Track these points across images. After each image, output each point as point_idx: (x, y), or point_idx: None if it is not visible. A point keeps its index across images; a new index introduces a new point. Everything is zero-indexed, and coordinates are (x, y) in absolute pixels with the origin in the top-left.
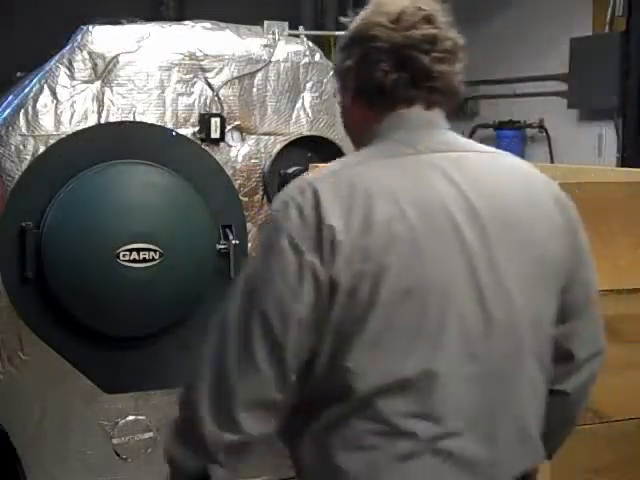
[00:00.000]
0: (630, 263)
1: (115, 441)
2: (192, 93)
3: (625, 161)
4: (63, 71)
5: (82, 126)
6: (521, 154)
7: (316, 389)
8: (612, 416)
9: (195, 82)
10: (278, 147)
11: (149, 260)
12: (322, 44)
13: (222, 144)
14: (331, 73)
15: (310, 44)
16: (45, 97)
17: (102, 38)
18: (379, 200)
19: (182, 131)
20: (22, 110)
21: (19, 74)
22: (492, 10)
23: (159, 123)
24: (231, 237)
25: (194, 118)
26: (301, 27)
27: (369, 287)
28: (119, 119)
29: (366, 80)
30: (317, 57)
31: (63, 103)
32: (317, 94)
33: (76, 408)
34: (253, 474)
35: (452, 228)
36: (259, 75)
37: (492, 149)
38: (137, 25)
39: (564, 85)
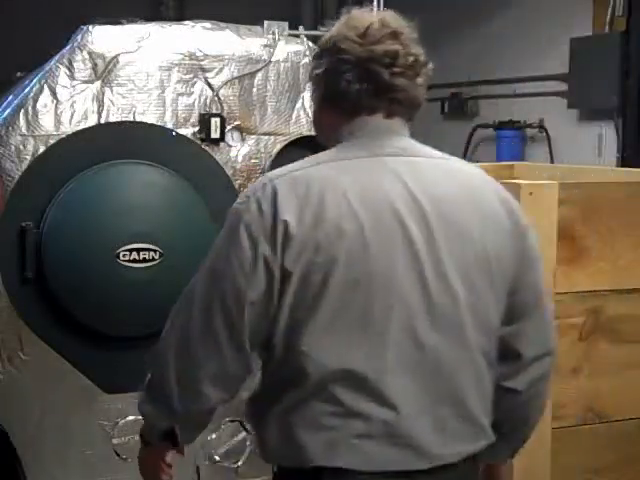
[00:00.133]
0: (630, 263)
1: (115, 441)
2: (192, 93)
3: (625, 161)
4: (63, 71)
5: (82, 126)
6: (521, 154)
7: (276, 373)
8: (612, 416)
9: (195, 82)
10: (278, 147)
11: (149, 260)
12: None
13: (222, 144)
14: None
15: (310, 44)
16: (45, 97)
17: (102, 38)
18: (331, 198)
19: (182, 131)
20: (22, 110)
21: (19, 74)
22: (492, 10)
23: (159, 123)
24: None
25: (194, 118)
26: (301, 27)
27: (320, 277)
28: (119, 119)
29: (333, 88)
30: None
31: (63, 103)
32: None
33: (76, 408)
34: (253, 474)
35: (399, 225)
36: (259, 75)
37: (445, 155)
38: (137, 25)
39: (564, 85)
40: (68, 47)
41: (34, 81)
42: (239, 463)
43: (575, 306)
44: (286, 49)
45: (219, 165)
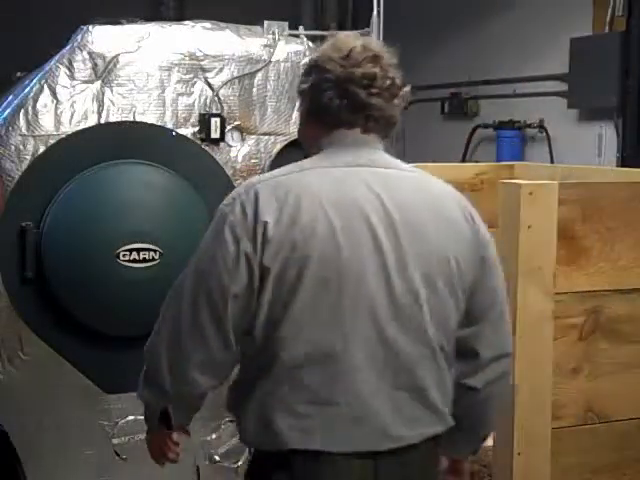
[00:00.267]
0: (630, 263)
1: (115, 441)
2: (192, 93)
3: (625, 161)
4: (63, 71)
5: (82, 126)
6: (521, 154)
7: (254, 362)
8: (612, 416)
9: (195, 82)
10: (278, 147)
11: (149, 260)
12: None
13: (222, 144)
14: None
15: (310, 44)
16: (45, 97)
17: (102, 38)
18: (306, 202)
19: (182, 131)
20: (22, 110)
21: (19, 74)
22: (492, 10)
23: (159, 123)
24: None
25: (194, 118)
26: (301, 27)
27: (295, 274)
28: (119, 119)
29: (316, 103)
30: None
31: (63, 103)
32: None
33: (76, 408)
34: None
35: (368, 229)
36: (259, 75)
37: (412, 168)
38: (137, 25)
39: (564, 85)
40: (68, 47)
41: (34, 81)
42: (239, 463)
43: (575, 306)
44: (286, 49)
45: (219, 165)
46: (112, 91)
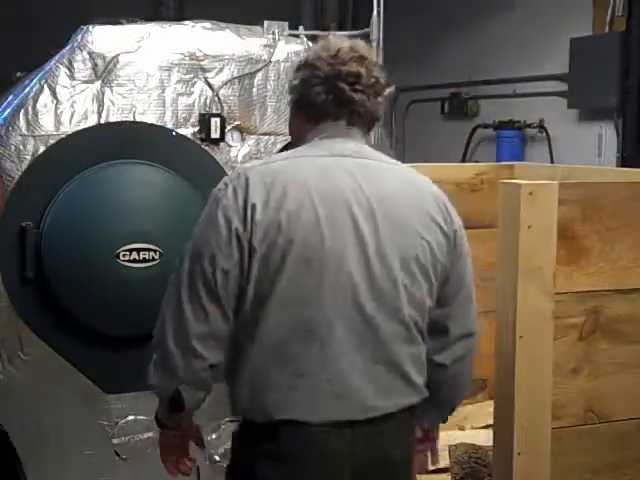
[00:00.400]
0: (630, 263)
1: (115, 441)
2: (192, 93)
3: (625, 161)
4: (63, 71)
5: (82, 126)
6: (521, 154)
7: (243, 338)
8: (612, 416)
9: (195, 82)
10: (278, 147)
11: (149, 260)
12: None
13: (222, 144)
14: None
15: (310, 44)
16: (45, 97)
17: (102, 38)
18: (292, 188)
19: (182, 131)
20: (22, 110)
21: (19, 74)
22: (492, 10)
23: (159, 123)
24: None
25: (194, 118)
26: (301, 27)
27: (280, 255)
28: (119, 119)
29: (304, 97)
30: None
31: (63, 103)
32: None
33: (76, 408)
34: None
35: (349, 216)
36: (259, 75)
37: (394, 161)
38: (137, 25)
39: (564, 85)
40: (68, 47)
41: (34, 81)
42: None
43: (575, 306)
44: (286, 49)
45: (219, 165)
46: (112, 91)
